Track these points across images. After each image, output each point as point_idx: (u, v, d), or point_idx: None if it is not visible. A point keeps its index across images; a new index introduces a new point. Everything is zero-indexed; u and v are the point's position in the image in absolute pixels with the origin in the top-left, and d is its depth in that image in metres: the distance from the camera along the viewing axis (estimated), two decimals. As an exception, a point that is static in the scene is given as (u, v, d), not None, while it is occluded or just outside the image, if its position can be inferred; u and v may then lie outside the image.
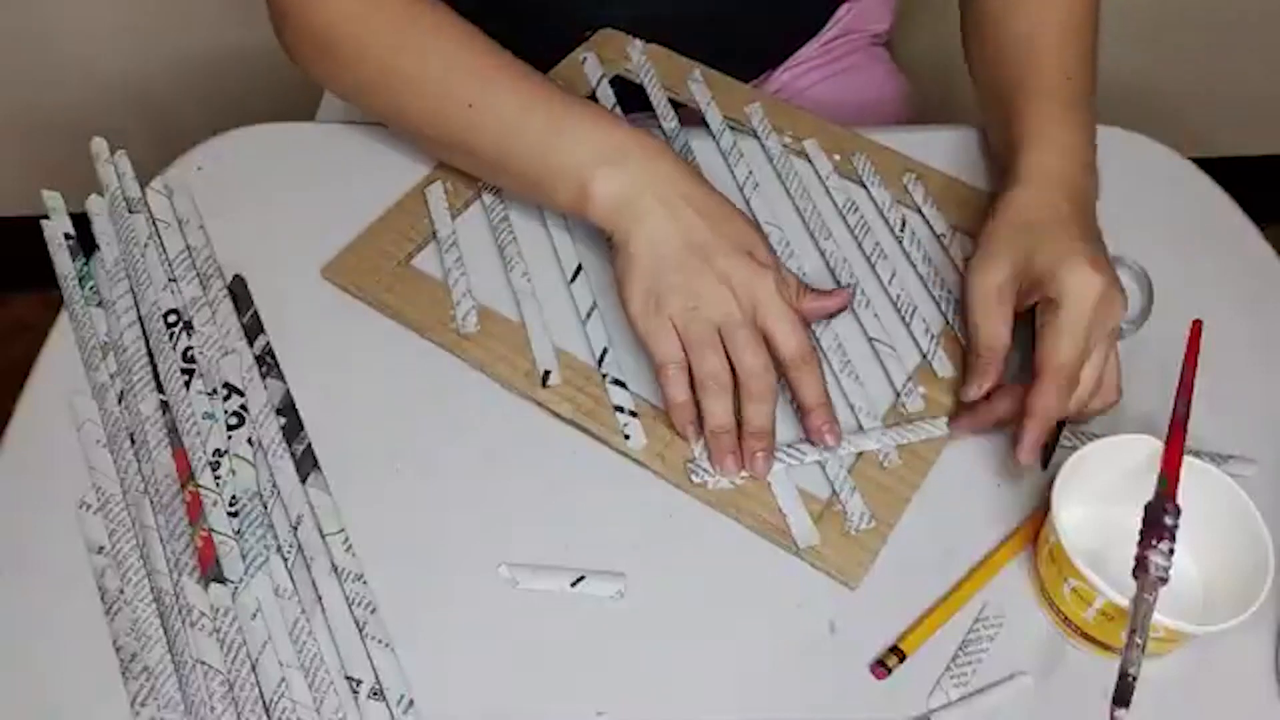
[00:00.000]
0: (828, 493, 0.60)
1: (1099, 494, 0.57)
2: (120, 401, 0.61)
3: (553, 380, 0.63)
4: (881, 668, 0.54)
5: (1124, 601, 0.51)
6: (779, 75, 0.90)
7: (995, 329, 0.61)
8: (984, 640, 0.55)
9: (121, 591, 0.55)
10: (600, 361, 0.64)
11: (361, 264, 0.68)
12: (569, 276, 0.68)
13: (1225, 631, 0.51)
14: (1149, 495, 0.55)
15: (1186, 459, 0.55)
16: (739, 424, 0.60)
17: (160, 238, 0.68)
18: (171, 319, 0.64)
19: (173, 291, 0.66)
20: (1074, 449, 0.57)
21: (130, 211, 0.69)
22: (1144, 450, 0.57)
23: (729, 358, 0.59)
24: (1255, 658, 0.56)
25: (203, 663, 0.53)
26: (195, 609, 0.54)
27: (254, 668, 0.53)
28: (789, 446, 0.61)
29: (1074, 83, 0.68)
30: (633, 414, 0.61)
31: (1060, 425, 0.60)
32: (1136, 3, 1.38)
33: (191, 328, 0.64)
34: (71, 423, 0.61)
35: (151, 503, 0.58)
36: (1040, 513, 0.59)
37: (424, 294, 0.67)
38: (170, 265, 0.67)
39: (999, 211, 0.64)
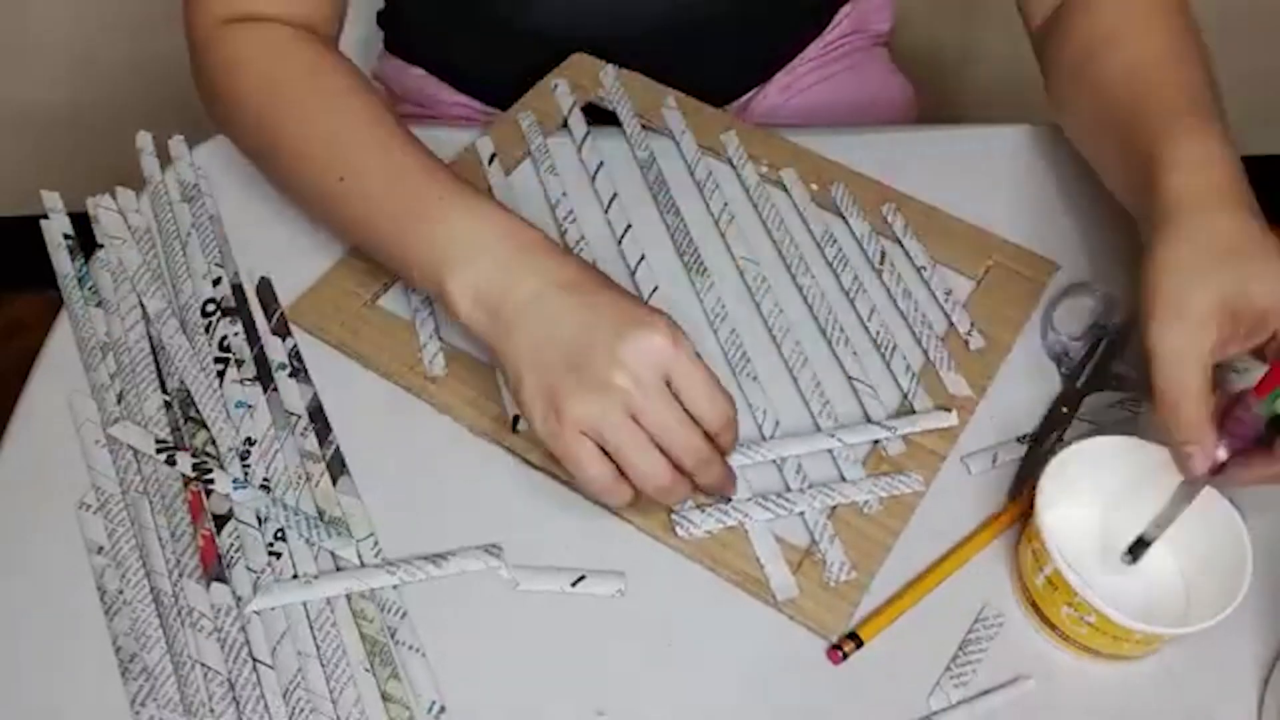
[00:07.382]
0: (807, 541, 0.58)
1: (1083, 495, 0.57)
2: (120, 401, 0.61)
3: (522, 425, 0.60)
4: (836, 651, 0.54)
5: (1067, 570, 0.51)
6: (780, 77, 0.90)
7: (1197, 417, 0.51)
8: (983, 640, 0.55)
9: (121, 592, 0.55)
10: None
11: (325, 304, 0.66)
12: None
13: (1198, 633, 0.51)
14: (1133, 498, 0.56)
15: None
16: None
17: (195, 230, 0.68)
18: (209, 308, 0.65)
19: (212, 282, 0.66)
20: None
21: (184, 199, 0.69)
22: (1132, 452, 0.56)
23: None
24: (1250, 658, 0.56)
25: (202, 664, 0.53)
26: (195, 609, 0.54)
27: (255, 667, 0.53)
28: (772, 496, 0.59)
29: (1201, 100, 0.60)
30: None
31: None
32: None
33: (232, 314, 0.64)
34: (71, 423, 0.61)
35: (151, 503, 0.58)
36: (1004, 511, 0.59)
37: (389, 335, 0.64)
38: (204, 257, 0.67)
39: (1179, 238, 0.53)
